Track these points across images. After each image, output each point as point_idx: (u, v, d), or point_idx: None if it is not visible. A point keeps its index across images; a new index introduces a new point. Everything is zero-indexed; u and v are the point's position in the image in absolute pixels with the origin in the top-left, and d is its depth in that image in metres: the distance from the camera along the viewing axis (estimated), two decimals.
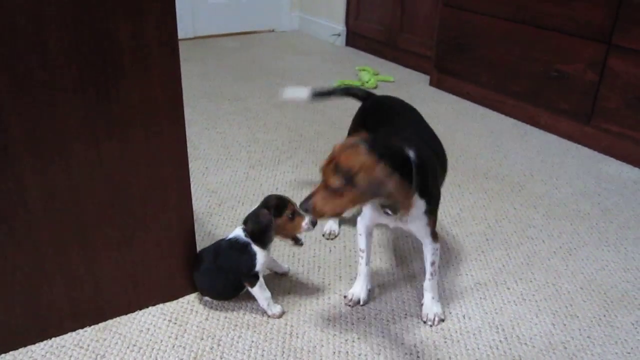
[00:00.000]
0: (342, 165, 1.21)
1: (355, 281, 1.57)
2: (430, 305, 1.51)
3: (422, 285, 1.54)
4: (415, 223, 1.40)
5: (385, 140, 1.30)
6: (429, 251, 1.48)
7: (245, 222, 1.47)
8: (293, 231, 1.47)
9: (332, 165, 1.23)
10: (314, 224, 1.45)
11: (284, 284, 1.62)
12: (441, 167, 1.50)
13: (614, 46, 2.38)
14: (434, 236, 1.46)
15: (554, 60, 2.63)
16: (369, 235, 1.53)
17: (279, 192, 2.07)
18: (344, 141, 1.27)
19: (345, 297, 1.56)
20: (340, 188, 1.21)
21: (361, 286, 1.56)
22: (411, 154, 1.29)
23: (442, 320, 1.51)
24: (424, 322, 1.50)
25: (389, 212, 1.34)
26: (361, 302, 1.55)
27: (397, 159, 1.25)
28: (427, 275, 1.50)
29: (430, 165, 1.36)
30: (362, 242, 1.53)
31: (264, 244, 1.45)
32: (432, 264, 1.49)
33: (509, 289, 1.64)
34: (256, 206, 1.48)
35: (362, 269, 1.55)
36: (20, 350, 1.37)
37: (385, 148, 1.24)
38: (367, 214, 1.47)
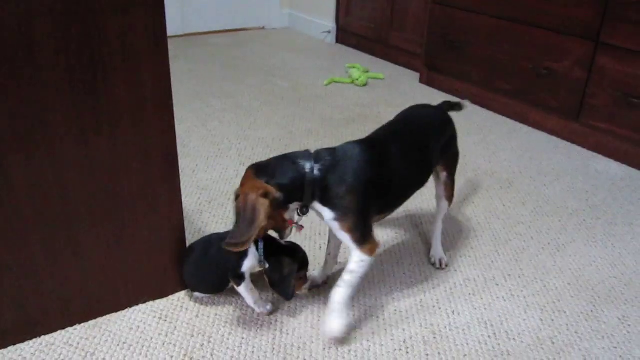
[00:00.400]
0: (236, 192, 1.32)
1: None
2: (332, 320, 1.38)
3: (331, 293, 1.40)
4: (335, 231, 1.37)
5: (281, 159, 1.34)
6: (350, 258, 1.37)
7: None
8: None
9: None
10: (309, 289, 1.53)
11: None
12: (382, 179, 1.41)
13: (602, 44, 2.40)
14: (360, 244, 1.34)
15: (542, 57, 2.65)
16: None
17: None
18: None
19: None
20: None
21: (319, 271, 1.62)
22: (309, 167, 1.30)
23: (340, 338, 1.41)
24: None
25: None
26: (316, 283, 1.61)
27: (285, 177, 1.29)
28: (338, 281, 1.38)
29: (341, 174, 1.32)
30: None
31: (283, 293, 1.47)
32: (349, 272, 1.36)
33: (497, 285, 1.65)
34: None
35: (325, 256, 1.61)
36: (10, 348, 1.36)
37: (274, 169, 1.31)
38: None
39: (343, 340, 1.42)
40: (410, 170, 1.48)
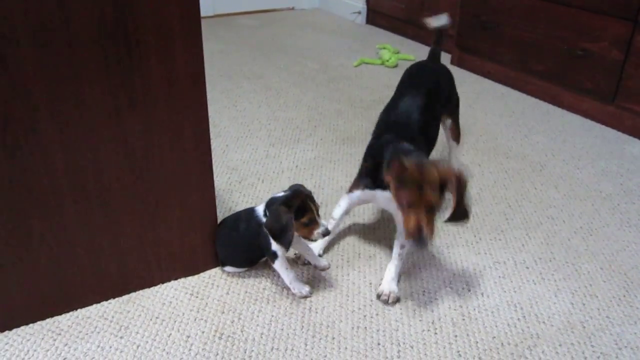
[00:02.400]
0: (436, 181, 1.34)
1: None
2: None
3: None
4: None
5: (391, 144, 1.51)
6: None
7: (267, 206, 1.45)
8: (304, 236, 1.46)
9: (434, 187, 1.33)
10: (324, 234, 1.44)
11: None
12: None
13: None
14: None
15: (578, 38, 2.58)
16: (346, 213, 1.66)
17: (299, 170, 2.09)
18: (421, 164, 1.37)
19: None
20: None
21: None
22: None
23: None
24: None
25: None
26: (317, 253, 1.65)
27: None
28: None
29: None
30: (337, 213, 1.65)
31: (282, 243, 1.40)
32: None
33: (528, 268, 1.64)
34: (282, 192, 1.46)
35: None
36: (47, 320, 1.41)
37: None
38: (357, 196, 1.59)
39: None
40: (434, 124, 1.73)
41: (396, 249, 1.55)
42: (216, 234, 1.55)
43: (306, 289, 1.50)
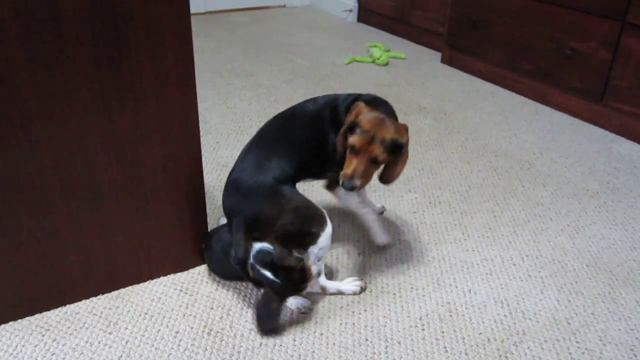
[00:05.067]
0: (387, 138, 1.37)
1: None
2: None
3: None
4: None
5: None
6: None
7: (255, 258, 1.37)
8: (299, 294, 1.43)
9: (383, 143, 1.37)
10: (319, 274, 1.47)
11: None
12: None
13: (628, 24, 2.36)
14: None
15: (567, 38, 2.61)
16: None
17: None
18: (368, 115, 1.39)
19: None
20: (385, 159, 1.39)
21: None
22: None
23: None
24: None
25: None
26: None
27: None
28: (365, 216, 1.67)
29: None
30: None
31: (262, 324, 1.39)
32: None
33: (515, 265, 1.66)
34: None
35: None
36: (36, 316, 1.41)
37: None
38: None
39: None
40: None
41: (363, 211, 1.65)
42: (205, 245, 1.55)
43: (305, 304, 1.46)
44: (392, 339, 1.38)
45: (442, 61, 3.35)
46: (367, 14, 4.10)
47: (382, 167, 1.45)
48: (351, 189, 1.38)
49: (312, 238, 1.38)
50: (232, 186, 1.45)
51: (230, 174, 1.49)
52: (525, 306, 1.50)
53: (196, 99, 1.38)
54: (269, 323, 1.38)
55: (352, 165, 1.38)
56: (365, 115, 1.38)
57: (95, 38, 1.20)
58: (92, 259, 1.43)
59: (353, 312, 1.46)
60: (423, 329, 1.42)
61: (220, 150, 2.22)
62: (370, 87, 2.93)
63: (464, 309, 1.49)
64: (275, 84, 2.93)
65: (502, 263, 1.66)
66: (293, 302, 1.45)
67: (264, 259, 1.34)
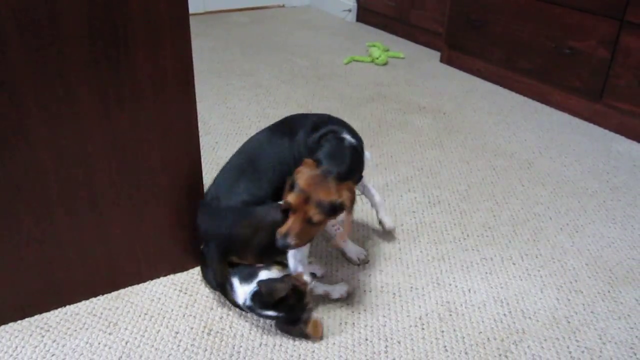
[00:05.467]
0: (323, 199, 1.30)
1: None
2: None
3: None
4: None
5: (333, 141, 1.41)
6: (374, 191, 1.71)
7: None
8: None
9: (319, 205, 1.30)
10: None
11: None
12: None
13: (627, 23, 2.36)
14: None
15: (566, 37, 2.61)
16: None
17: None
18: (308, 173, 1.32)
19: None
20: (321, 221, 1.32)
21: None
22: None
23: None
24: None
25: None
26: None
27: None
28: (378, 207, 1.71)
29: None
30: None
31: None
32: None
33: (514, 264, 1.66)
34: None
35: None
36: (36, 317, 1.41)
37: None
38: None
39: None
40: None
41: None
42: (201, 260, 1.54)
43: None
44: (391, 339, 1.38)
45: (441, 60, 3.35)
46: (366, 14, 4.09)
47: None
48: (285, 247, 1.32)
49: None
50: (205, 209, 1.45)
51: (205, 195, 1.48)
52: (524, 305, 1.50)
53: (195, 99, 1.38)
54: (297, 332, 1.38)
55: (288, 223, 1.31)
56: (305, 174, 1.31)
57: (93, 38, 1.20)
58: (92, 260, 1.43)
59: (353, 311, 1.46)
60: (423, 329, 1.42)
61: (220, 151, 2.22)
62: (370, 86, 2.93)
63: (463, 308, 1.49)
64: (274, 84, 2.93)
65: (501, 262, 1.66)
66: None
67: (261, 299, 1.34)
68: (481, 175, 2.13)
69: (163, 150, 1.39)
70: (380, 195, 1.73)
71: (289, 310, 1.34)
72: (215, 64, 3.19)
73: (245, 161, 1.46)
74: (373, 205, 1.70)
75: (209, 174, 2.05)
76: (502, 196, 2.00)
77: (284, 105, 2.67)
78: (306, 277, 1.38)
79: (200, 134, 2.33)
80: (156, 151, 1.38)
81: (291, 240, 1.31)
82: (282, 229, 1.31)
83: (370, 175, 2.10)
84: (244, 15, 4.25)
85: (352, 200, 1.33)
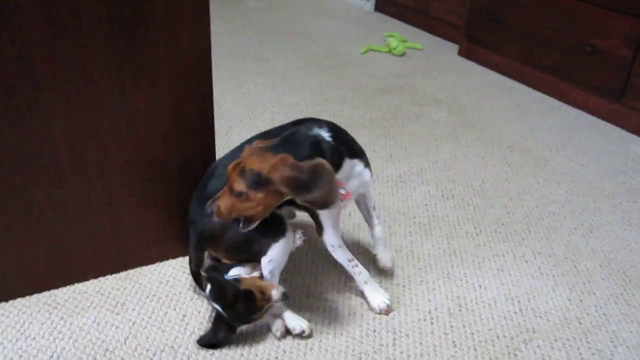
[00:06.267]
0: (247, 168, 1.18)
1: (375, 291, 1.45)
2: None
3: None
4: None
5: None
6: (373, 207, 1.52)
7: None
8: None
9: (243, 174, 1.18)
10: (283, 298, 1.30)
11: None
12: None
13: None
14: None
15: (588, 34, 2.56)
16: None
17: None
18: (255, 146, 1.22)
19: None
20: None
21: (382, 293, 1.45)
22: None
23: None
24: None
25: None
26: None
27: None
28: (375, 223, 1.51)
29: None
30: (347, 253, 1.41)
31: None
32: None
33: (527, 262, 1.63)
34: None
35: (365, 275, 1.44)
36: (44, 293, 1.41)
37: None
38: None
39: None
40: None
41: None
42: None
43: (303, 325, 1.35)
44: (400, 331, 1.37)
45: (459, 53, 3.31)
46: (385, 4, 4.05)
47: None
48: (209, 215, 1.22)
49: (261, 247, 1.31)
50: (196, 195, 1.40)
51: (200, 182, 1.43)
52: (536, 304, 1.48)
53: (212, 81, 1.37)
54: (210, 346, 1.30)
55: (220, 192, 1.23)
56: (251, 147, 1.21)
57: (111, 14, 1.18)
58: (102, 239, 1.42)
59: (362, 303, 1.45)
60: (432, 323, 1.40)
61: (233, 136, 2.21)
62: (386, 77, 2.90)
63: (473, 304, 1.47)
64: (289, 70, 2.91)
65: (513, 259, 1.64)
66: (283, 323, 1.34)
67: (211, 291, 1.27)
68: (496, 171, 2.10)
69: (177, 132, 1.38)
70: (382, 227, 1.54)
71: (232, 315, 1.26)
72: (231, 49, 3.17)
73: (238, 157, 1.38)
74: (372, 236, 1.51)
75: None
76: (516, 193, 1.97)
77: (299, 92, 2.65)
78: (274, 293, 1.26)
79: (214, 117, 2.32)
80: (170, 132, 1.37)
81: (214, 207, 1.20)
82: (210, 201, 1.22)
83: (377, 174, 2.08)
84: (262, 1, 4.22)
85: (287, 179, 1.14)
